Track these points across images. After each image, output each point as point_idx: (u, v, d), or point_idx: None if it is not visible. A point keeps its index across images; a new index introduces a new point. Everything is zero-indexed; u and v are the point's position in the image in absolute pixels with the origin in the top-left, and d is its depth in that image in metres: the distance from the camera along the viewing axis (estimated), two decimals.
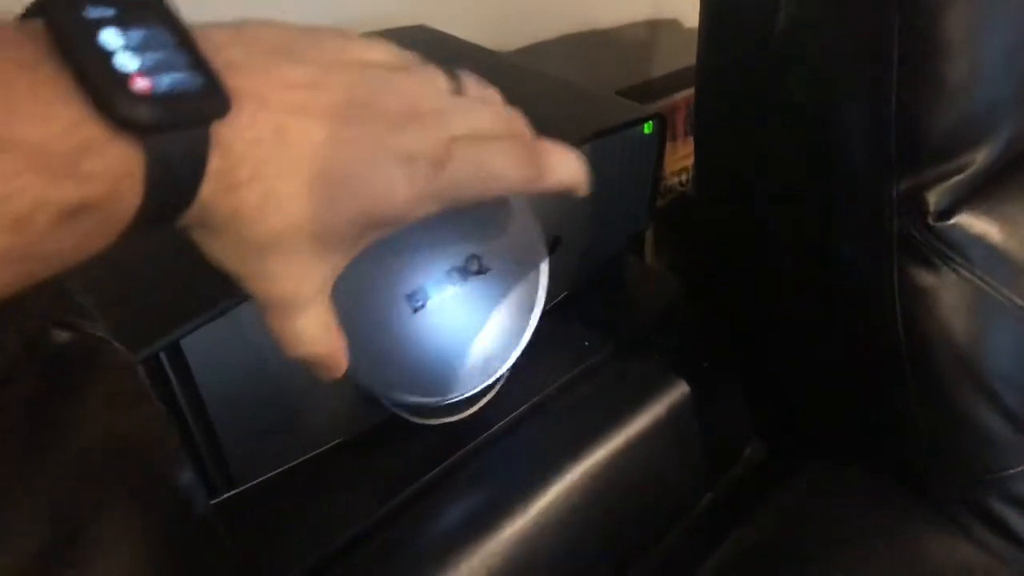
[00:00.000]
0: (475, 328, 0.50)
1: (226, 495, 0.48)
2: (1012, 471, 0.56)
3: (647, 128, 0.60)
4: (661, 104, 1.00)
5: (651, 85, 1.04)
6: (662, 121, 0.61)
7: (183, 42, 0.23)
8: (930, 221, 0.52)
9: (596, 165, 0.57)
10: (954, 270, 0.53)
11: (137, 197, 0.22)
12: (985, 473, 0.57)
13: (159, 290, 0.43)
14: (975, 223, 0.53)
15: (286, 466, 0.50)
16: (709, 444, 0.63)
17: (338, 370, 0.32)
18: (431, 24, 0.75)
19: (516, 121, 0.35)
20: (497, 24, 0.85)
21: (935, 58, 0.49)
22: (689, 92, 1.03)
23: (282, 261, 0.27)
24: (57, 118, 0.20)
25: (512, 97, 0.62)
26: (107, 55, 0.21)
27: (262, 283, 0.28)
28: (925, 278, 0.54)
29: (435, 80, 0.32)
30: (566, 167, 0.35)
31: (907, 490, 0.59)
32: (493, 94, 0.36)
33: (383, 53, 0.30)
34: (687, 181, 1.07)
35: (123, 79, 0.21)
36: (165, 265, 0.44)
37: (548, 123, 0.58)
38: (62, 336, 0.22)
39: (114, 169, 0.21)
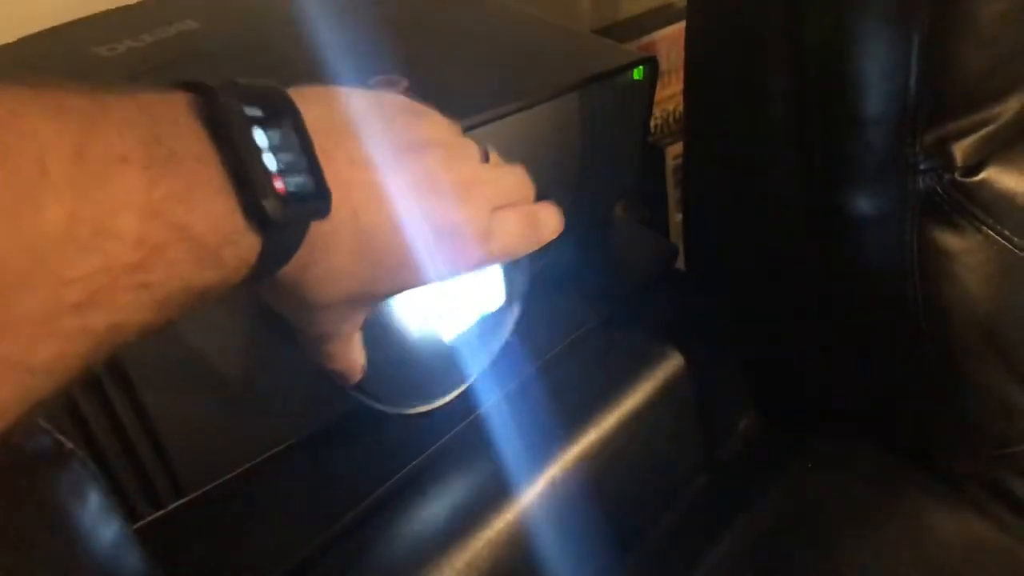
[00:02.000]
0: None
1: (175, 504, 0.42)
2: None
3: (637, 73, 0.54)
4: (634, 45, 0.93)
5: (621, 25, 0.97)
6: (654, 65, 0.55)
7: (304, 145, 0.25)
8: (956, 176, 0.47)
9: (584, 116, 0.52)
10: (980, 231, 0.48)
11: (244, 278, 0.25)
12: (1003, 447, 0.53)
13: None
14: (1006, 179, 0.48)
15: (239, 470, 0.44)
16: (705, 418, 0.58)
17: (353, 380, 0.37)
18: None
19: (529, 185, 0.38)
20: None
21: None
22: (663, 32, 0.96)
23: (328, 314, 0.32)
24: (214, 211, 0.22)
25: (481, 36, 0.55)
26: (259, 154, 0.23)
27: (310, 327, 0.32)
28: (948, 239, 0.49)
29: (474, 152, 0.35)
30: (554, 224, 0.39)
31: (918, 466, 0.55)
32: (516, 166, 0.38)
33: (440, 129, 0.34)
34: (656, 129, 1.01)
35: (269, 179, 0.24)
36: None
37: (527, 69, 0.52)
38: None
39: (244, 258, 0.24)
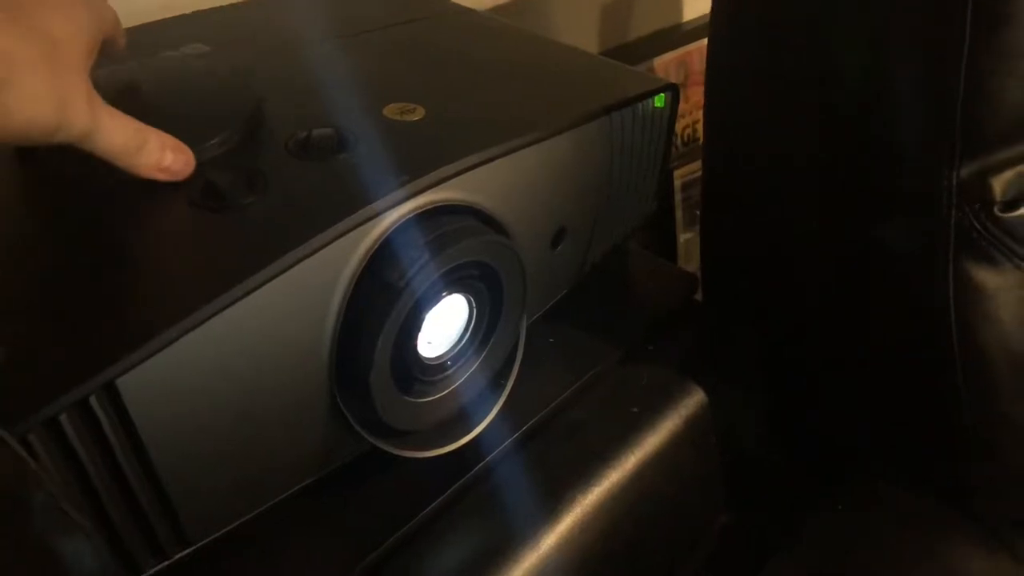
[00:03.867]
0: None
1: (179, 555, 0.39)
2: None
3: (659, 101, 0.52)
4: (641, 67, 0.92)
5: (629, 48, 0.96)
6: (675, 93, 0.53)
7: None
8: (996, 211, 0.45)
9: (607, 143, 0.50)
10: (1019, 267, 0.47)
11: None
12: None
13: (84, 320, 0.34)
14: None
15: (251, 514, 0.41)
16: (728, 457, 0.56)
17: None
18: None
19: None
20: None
21: (1009, 23, 0.42)
22: (670, 56, 0.95)
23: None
24: None
25: (500, 64, 0.54)
26: None
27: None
28: (985, 276, 0.47)
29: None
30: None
31: (951, 507, 0.53)
32: None
33: None
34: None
35: None
36: (86, 291, 0.35)
37: (548, 96, 0.50)
38: None
39: None
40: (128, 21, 0.53)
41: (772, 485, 0.58)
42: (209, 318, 0.34)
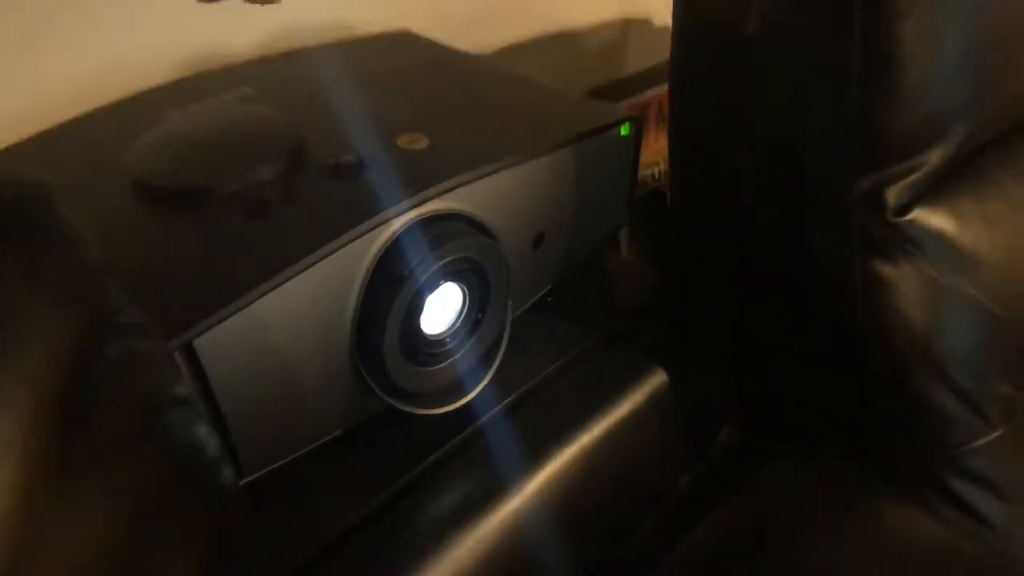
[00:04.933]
0: None
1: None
2: (967, 447, 0.60)
3: (624, 130, 0.64)
4: (633, 101, 1.03)
5: (623, 83, 1.07)
6: (637, 124, 0.65)
7: None
8: (888, 216, 0.56)
9: (578, 165, 0.61)
10: (911, 262, 0.57)
11: None
12: (944, 450, 0.61)
13: (168, 289, 0.45)
14: (930, 218, 0.56)
15: (291, 456, 0.53)
16: (686, 429, 0.66)
17: None
18: (413, 29, 0.78)
19: None
20: (474, 27, 0.88)
21: (892, 65, 0.52)
22: (660, 90, 1.06)
23: None
24: None
25: (494, 103, 0.65)
26: None
27: None
28: (885, 270, 0.57)
29: None
30: None
31: (874, 471, 0.63)
32: None
33: None
34: (659, 175, 1.10)
35: None
36: (173, 263, 0.46)
37: (529, 128, 0.61)
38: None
39: None
40: (184, 71, 0.66)
41: (728, 453, 0.68)
42: (260, 297, 0.45)
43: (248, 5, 0.72)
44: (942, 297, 0.58)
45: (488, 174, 0.54)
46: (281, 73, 0.68)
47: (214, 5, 0.70)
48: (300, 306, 0.48)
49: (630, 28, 1.07)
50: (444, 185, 0.51)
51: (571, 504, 0.59)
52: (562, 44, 1.00)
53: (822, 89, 0.55)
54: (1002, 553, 0.62)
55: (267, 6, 0.73)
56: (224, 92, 0.63)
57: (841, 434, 0.65)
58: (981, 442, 0.61)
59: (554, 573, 0.58)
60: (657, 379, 0.65)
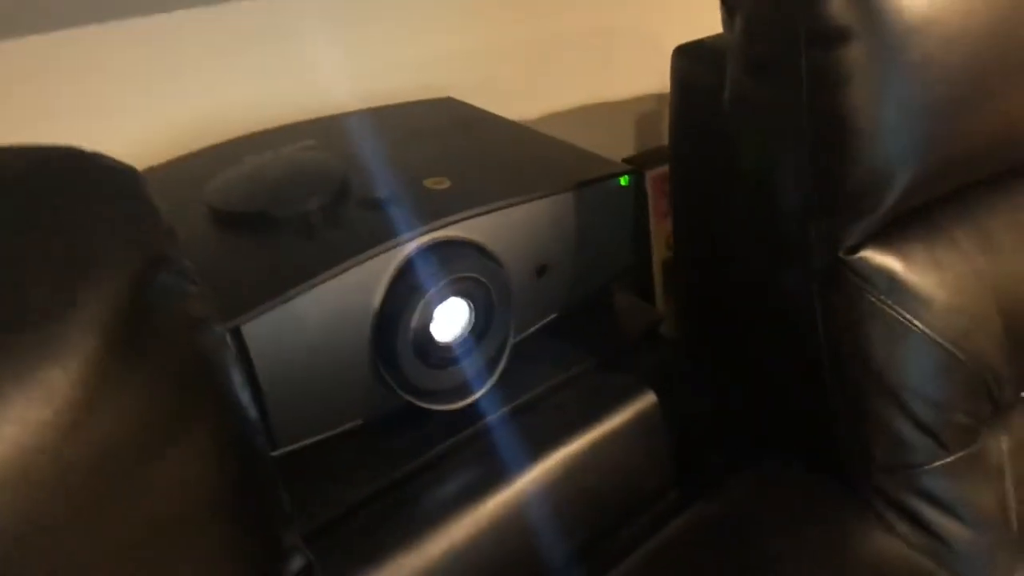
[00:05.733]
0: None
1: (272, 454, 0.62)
2: (921, 468, 0.66)
3: (623, 181, 0.74)
4: (664, 170, 1.13)
5: (660, 151, 1.18)
6: (638, 176, 0.75)
7: None
8: (841, 254, 0.64)
9: (578, 208, 0.71)
10: (864, 297, 0.65)
11: None
12: (899, 470, 0.67)
13: (227, 286, 0.57)
14: (879, 257, 0.64)
15: (318, 437, 0.63)
16: (673, 447, 0.74)
17: None
18: (457, 96, 0.91)
19: None
20: (518, 95, 1.00)
21: (839, 127, 0.61)
22: None
23: None
24: None
25: (518, 156, 0.76)
26: None
27: None
28: (841, 303, 0.65)
29: None
30: None
31: (840, 486, 0.69)
32: None
33: None
34: None
35: None
36: (234, 268, 0.58)
37: (540, 175, 0.72)
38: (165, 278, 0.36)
39: None
40: (267, 125, 0.80)
41: (716, 471, 0.76)
42: (297, 296, 0.57)
43: (325, 77, 0.87)
44: (894, 331, 0.65)
45: (494, 210, 0.65)
46: (340, 129, 0.82)
47: (294, 77, 0.85)
48: (330, 308, 0.59)
49: (667, 102, 1.17)
50: (454, 217, 0.63)
51: (561, 500, 0.68)
52: (603, 114, 1.12)
53: (782, 148, 0.65)
54: (959, 574, 0.67)
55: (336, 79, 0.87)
56: (292, 142, 0.77)
57: (810, 450, 0.72)
58: (938, 464, 0.67)
59: (542, 556, 0.67)
60: (647, 400, 0.73)
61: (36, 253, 0.33)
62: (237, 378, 0.41)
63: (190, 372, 0.37)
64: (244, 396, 0.40)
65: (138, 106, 0.77)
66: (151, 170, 0.76)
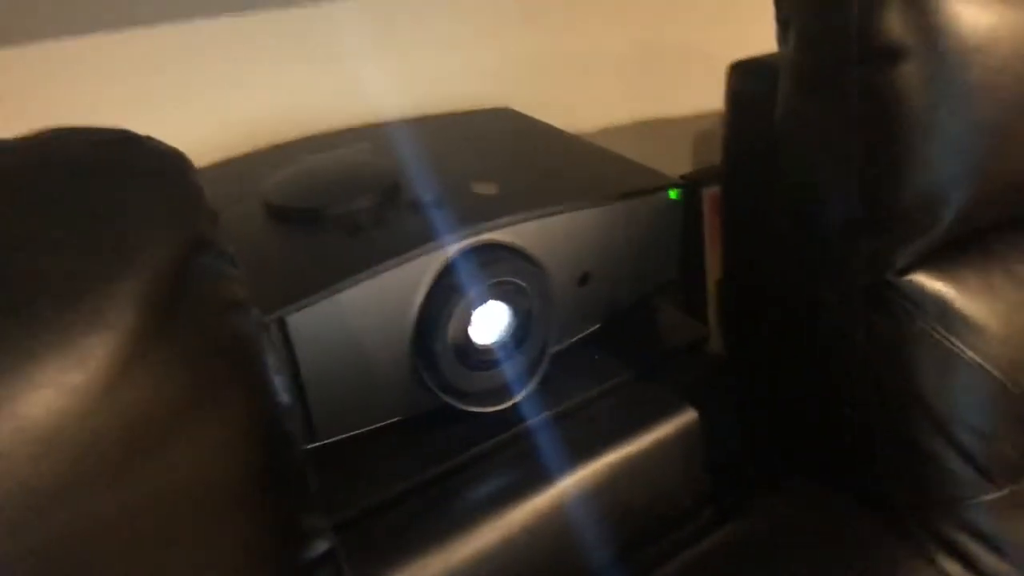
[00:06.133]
0: None
1: (307, 446, 0.63)
2: (968, 502, 0.64)
3: (673, 194, 0.74)
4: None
5: (717, 169, 1.17)
6: (688, 190, 0.75)
7: None
8: (889, 276, 0.63)
9: (625, 219, 0.72)
10: (912, 322, 0.63)
11: None
12: (944, 503, 0.65)
13: (276, 278, 0.59)
14: (931, 281, 0.63)
15: (357, 431, 0.64)
16: (709, 465, 0.73)
17: None
18: (514, 107, 0.92)
19: None
20: (577, 109, 1.01)
21: (891, 145, 0.60)
22: None
23: None
24: None
25: (569, 166, 0.77)
26: None
27: None
28: (888, 327, 0.64)
29: None
30: None
31: (880, 513, 0.68)
32: None
33: None
34: None
35: None
36: (283, 261, 0.60)
37: (589, 185, 0.73)
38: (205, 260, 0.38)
39: None
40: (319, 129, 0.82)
41: (752, 492, 0.75)
42: (341, 291, 0.58)
43: (387, 83, 0.89)
44: (943, 358, 0.64)
45: (538, 216, 0.65)
46: (397, 134, 0.83)
47: (358, 87, 0.87)
48: (373, 305, 0.60)
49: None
50: (498, 221, 0.63)
51: (593, 511, 0.68)
52: (661, 130, 1.12)
53: (830, 165, 0.64)
54: None
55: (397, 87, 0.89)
56: (349, 145, 0.79)
57: (850, 477, 0.70)
58: (984, 499, 0.65)
59: (571, 567, 0.66)
60: (687, 416, 0.72)
61: (84, 228, 0.35)
62: (271, 362, 0.42)
63: (223, 352, 0.38)
64: (277, 380, 0.41)
65: (204, 107, 0.80)
66: (214, 166, 0.78)
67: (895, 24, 0.57)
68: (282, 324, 0.57)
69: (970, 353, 0.63)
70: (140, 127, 0.40)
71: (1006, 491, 0.65)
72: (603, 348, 0.76)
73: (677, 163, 1.15)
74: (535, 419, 0.69)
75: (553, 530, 0.66)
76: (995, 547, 0.65)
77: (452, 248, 0.62)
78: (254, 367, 0.41)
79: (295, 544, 0.41)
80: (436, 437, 0.67)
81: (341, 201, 0.67)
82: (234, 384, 0.38)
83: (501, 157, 0.78)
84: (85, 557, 0.31)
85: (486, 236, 0.63)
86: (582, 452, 0.68)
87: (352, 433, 0.65)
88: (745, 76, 0.78)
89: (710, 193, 1.09)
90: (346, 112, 0.87)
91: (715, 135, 1.17)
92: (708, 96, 1.13)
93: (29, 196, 0.35)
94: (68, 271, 0.33)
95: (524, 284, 0.65)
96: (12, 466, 0.29)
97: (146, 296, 0.34)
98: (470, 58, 0.93)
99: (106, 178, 0.36)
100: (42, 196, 0.35)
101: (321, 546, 0.43)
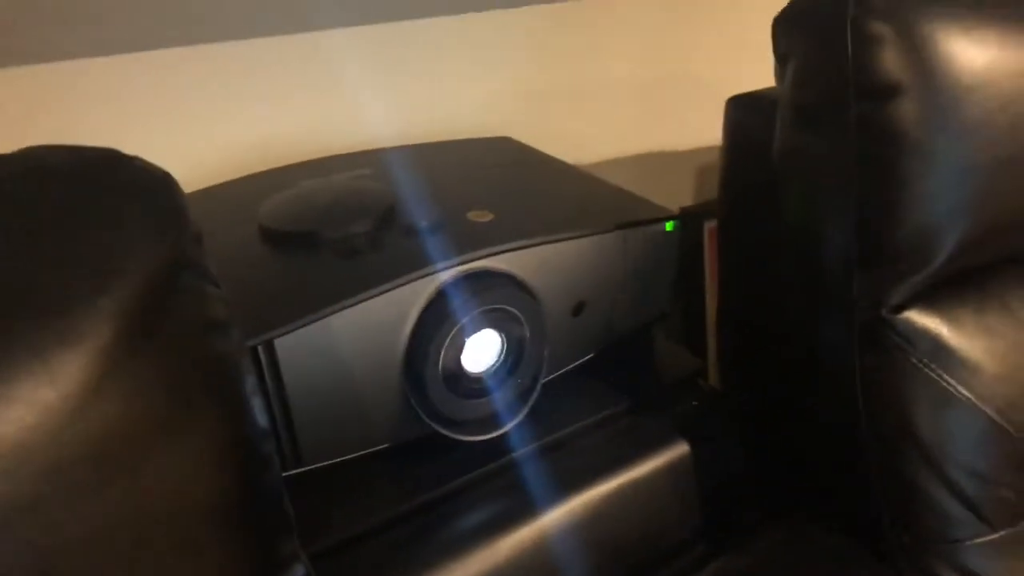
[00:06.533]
0: None
1: (293, 471, 0.62)
2: (960, 543, 0.64)
3: (669, 226, 0.74)
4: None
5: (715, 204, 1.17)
6: (682, 221, 0.74)
7: None
8: (883, 313, 0.62)
9: (620, 249, 0.71)
10: (907, 358, 0.63)
11: None
12: (936, 542, 0.64)
13: (265, 300, 0.59)
14: (925, 318, 0.63)
15: (343, 457, 0.64)
16: (703, 500, 0.73)
17: None
18: (514, 137, 0.92)
19: None
20: (576, 140, 1.01)
21: (887, 182, 0.60)
22: None
23: None
24: None
25: (566, 195, 0.77)
26: None
27: None
28: (882, 363, 0.63)
29: None
30: None
31: (873, 551, 0.67)
32: None
33: None
34: None
35: None
36: (274, 284, 0.60)
37: (585, 214, 0.72)
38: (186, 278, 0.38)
39: None
40: (318, 154, 0.82)
41: (745, 527, 0.74)
42: (331, 315, 0.58)
43: (387, 111, 0.89)
44: (937, 396, 0.63)
45: (532, 245, 0.65)
46: (395, 160, 0.84)
47: (358, 114, 0.88)
48: (363, 329, 0.60)
49: None
50: (491, 249, 0.63)
51: (582, 543, 0.67)
52: (661, 162, 1.12)
53: (828, 200, 0.64)
54: None
55: (397, 114, 0.90)
56: (347, 170, 0.79)
57: (845, 513, 0.69)
58: (979, 541, 0.64)
59: None
60: (679, 449, 0.72)
61: (64, 243, 0.34)
62: (250, 384, 0.41)
63: (200, 371, 0.38)
64: (256, 402, 0.41)
65: (202, 130, 0.81)
66: (212, 189, 0.79)
67: (890, 61, 0.57)
68: (270, 347, 0.57)
69: (964, 391, 0.63)
70: (135, 150, 0.41)
71: (1003, 534, 0.64)
72: (596, 378, 0.75)
73: (678, 196, 1.15)
74: (525, 449, 0.68)
75: (541, 562, 0.65)
76: None
77: (445, 274, 0.62)
78: (232, 388, 0.40)
79: (273, 568, 0.40)
80: (423, 465, 0.66)
81: (336, 225, 0.66)
82: (210, 405, 0.38)
83: (498, 185, 0.78)
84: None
85: (480, 263, 0.63)
86: (572, 483, 0.67)
87: (339, 459, 0.64)
88: (743, 110, 0.78)
89: (710, 226, 1.09)
90: (345, 138, 0.87)
91: (715, 169, 1.17)
92: (709, 130, 1.14)
93: (9, 209, 0.35)
94: (45, 285, 0.33)
95: (518, 312, 0.64)
96: None
97: (124, 313, 0.34)
98: (471, 87, 0.93)
99: (89, 193, 0.36)
100: (21, 209, 0.35)
101: (299, 572, 0.42)
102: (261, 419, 0.42)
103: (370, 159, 0.83)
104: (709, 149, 1.15)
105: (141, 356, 0.34)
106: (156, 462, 0.34)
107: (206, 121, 0.81)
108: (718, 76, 1.10)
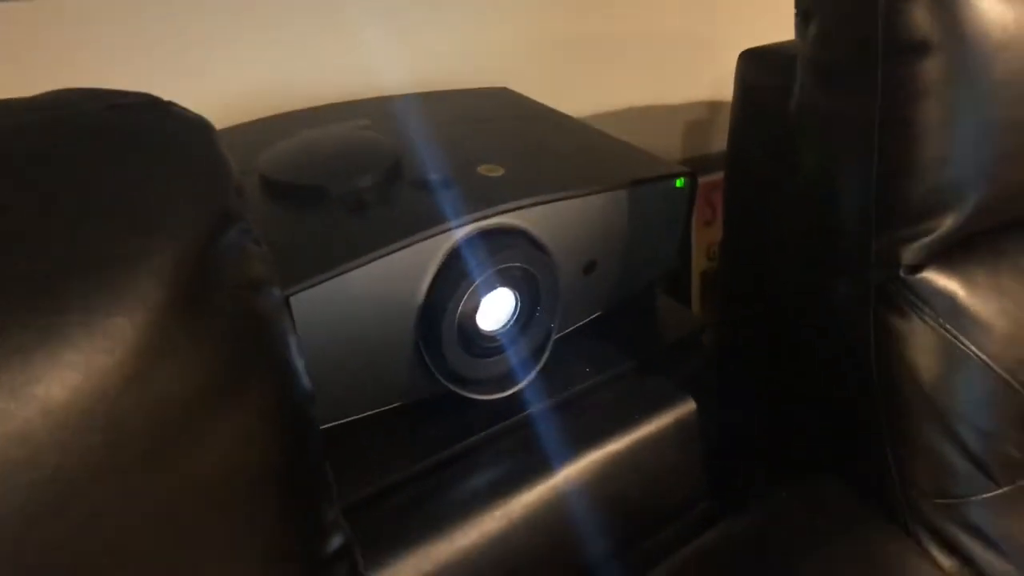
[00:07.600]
0: None
1: None
2: (967, 499, 0.65)
3: (679, 183, 0.73)
4: (714, 178, 1.12)
5: (710, 158, 1.16)
6: (693, 179, 0.73)
7: None
8: (901, 273, 0.62)
9: (632, 206, 0.70)
10: (921, 318, 0.63)
11: None
12: (943, 498, 0.65)
13: (277, 258, 0.56)
14: (941, 279, 0.63)
15: (357, 415, 0.62)
16: (708, 458, 0.73)
17: None
18: (513, 87, 0.90)
19: None
20: (570, 91, 0.99)
21: (909, 140, 0.60)
22: None
23: None
24: None
25: (569, 149, 0.75)
26: None
27: None
28: (896, 322, 0.64)
29: None
30: None
31: (878, 509, 0.68)
32: None
33: None
34: None
35: None
36: (285, 240, 0.58)
37: (596, 170, 0.71)
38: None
39: None
40: (317, 102, 0.79)
41: (750, 485, 0.74)
42: (346, 272, 0.56)
43: (386, 59, 0.86)
44: (950, 355, 0.64)
45: (547, 201, 0.64)
46: (395, 110, 0.81)
47: (355, 60, 0.85)
48: (378, 287, 0.58)
49: (718, 110, 1.16)
50: (506, 205, 0.62)
51: (593, 500, 0.67)
52: (652, 117, 1.11)
53: (847, 159, 0.63)
54: None
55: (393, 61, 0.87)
56: (348, 120, 0.76)
57: (849, 472, 0.70)
58: (983, 497, 0.65)
59: (570, 556, 0.65)
60: (686, 407, 0.72)
61: (111, 199, 0.32)
62: (295, 344, 0.40)
63: (250, 333, 0.36)
64: (300, 364, 0.39)
65: (199, 73, 0.77)
66: None
67: (921, 19, 0.56)
68: (285, 304, 0.55)
69: (976, 351, 0.63)
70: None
71: (1007, 489, 0.65)
72: (602, 336, 0.75)
73: (667, 151, 1.14)
74: (535, 407, 0.68)
75: (553, 520, 0.65)
76: (993, 545, 0.65)
77: (461, 231, 0.60)
78: (280, 350, 0.39)
79: (318, 536, 0.39)
80: (436, 424, 0.65)
81: (343, 178, 0.64)
82: (261, 368, 0.36)
83: (504, 138, 0.76)
84: (117, 547, 0.29)
85: (496, 220, 0.61)
86: (581, 442, 0.67)
87: (352, 418, 0.62)
88: (756, 65, 0.76)
89: (704, 181, 1.08)
90: (343, 83, 0.84)
91: (706, 125, 1.17)
92: (701, 86, 1.13)
93: (46, 161, 0.32)
94: (93, 244, 0.31)
95: (532, 270, 0.63)
96: (38, 453, 0.27)
97: (173, 274, 0.32)
98: (471, 36, 0.90)
99: (129, 145, 0.34)
100: (59, 161, 0.32)
101: (338, 540, 0.41)
102: (306, 381, 0.40)
103: (368, 108, 0.81)
104: (699, 105, 1.14)
105: (192, 318, 0.32)
106: (211, 426, 0.32)
107: (197, 67, 0.77)
108: (717, 30, 1.08)
